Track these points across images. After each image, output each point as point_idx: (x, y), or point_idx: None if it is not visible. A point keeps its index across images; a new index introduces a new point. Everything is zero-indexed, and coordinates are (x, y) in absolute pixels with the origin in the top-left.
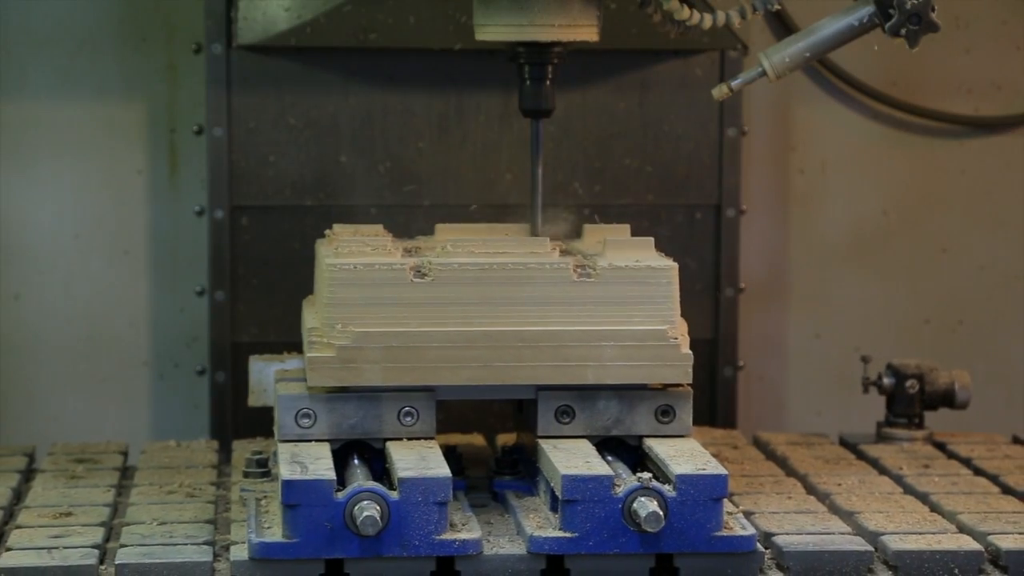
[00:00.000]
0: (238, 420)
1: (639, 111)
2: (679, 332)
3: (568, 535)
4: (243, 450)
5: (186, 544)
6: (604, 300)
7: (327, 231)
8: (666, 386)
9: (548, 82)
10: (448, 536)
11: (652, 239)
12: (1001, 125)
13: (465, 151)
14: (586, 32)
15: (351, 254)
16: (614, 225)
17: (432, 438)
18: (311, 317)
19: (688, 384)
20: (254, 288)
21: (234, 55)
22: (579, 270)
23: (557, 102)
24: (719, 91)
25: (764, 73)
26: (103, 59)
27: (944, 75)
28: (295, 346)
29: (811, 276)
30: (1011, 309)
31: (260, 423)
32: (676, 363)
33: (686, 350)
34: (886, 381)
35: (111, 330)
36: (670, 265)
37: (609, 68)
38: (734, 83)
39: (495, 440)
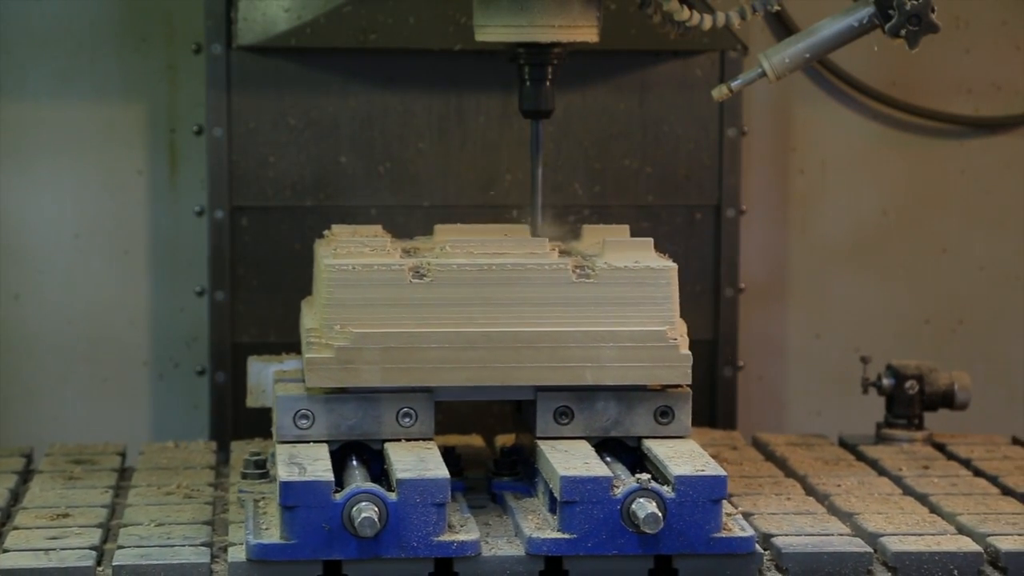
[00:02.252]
0: (238, 421)
1: (639, 112)
2: (678, 333)
3: (567, 536)
4: (241, 451)
5: (184, 546)
6: (603, 301)
7: (326, 232)
8: (665, 387)
9: (548, 83)
10: (446, 537)
11: (651, 240)
12: (1001, 125)
13: (465, 152)
14: (586, 33)
15: (349, 255)
16: (613, 226)
17: (431, 439)
18: (310, 318)
19: (687, 385)
20: (254, 288)
21: (234, 55)
22: (578, 271)
23: (557, 103)
24: (719, 92)
25: (764, 74)
26: (103, 59)
27: (944, 75)
28: (295, 347)
29: (811, 276)
30: (1011, 309)
31: (260, 424)
32: (675, 364)
33: (685, 351)
34: (885, 382)
35: (111, 330)
36: (669, 266)
37: (609, 69)
38: (734, 84)
39: (494, 441)
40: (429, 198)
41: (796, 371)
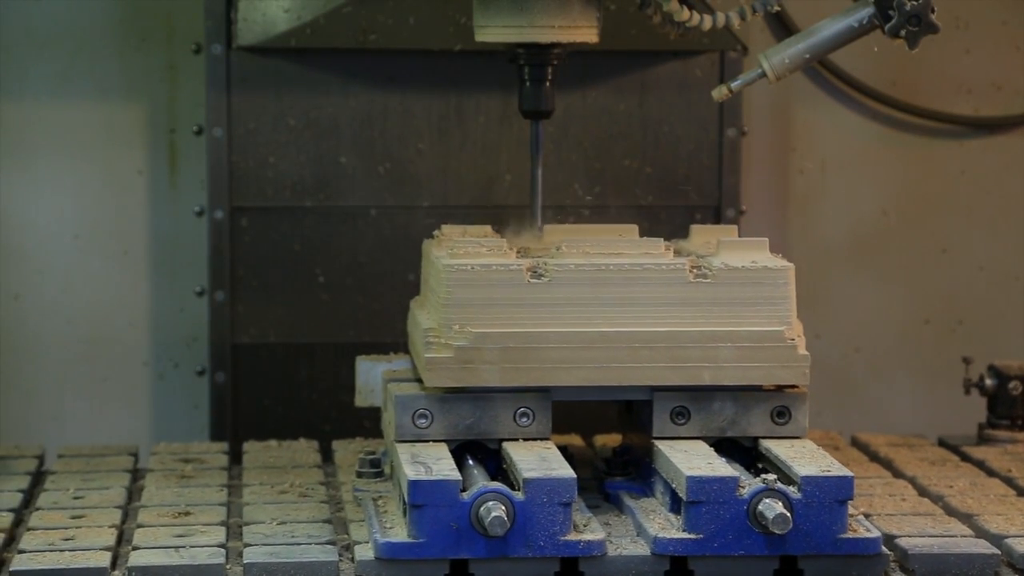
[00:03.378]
0: (238, 420)
1: (639, 112)
2: (795, 333)
3: (692, 536)
4: (344, 450)
5: (310, 544)
6: (720, 301)
7: (435, 232)
8: (781, 387)
9: (548, 83)
10: (573, 537)
11: (766, 240)
12: (1001, 125)
13: (465, 152)
14: (586, 33)
15: (467, 255)
16: (723, 226)
17: (548, 439)
18: (425, 318)
19: (804, 385)
20: (254, 288)
21: (234, 56)
22: (695, 271)
23: (557, 103)
24: (719, 92)
25: (764, 74)
26: (103, 59)
27: (944, 75)
28: (295, 347)
29: (811, 276)
30: (1011, 309)
31: (261, 424)
32: (793, 364)
33: (803, 351)
34: (988, 382)
35: (111, 330)
36: (786, 266)
37: (609, 69)
38: (734, 84)
39: (593, 441)
40: (429, 198)
41: None
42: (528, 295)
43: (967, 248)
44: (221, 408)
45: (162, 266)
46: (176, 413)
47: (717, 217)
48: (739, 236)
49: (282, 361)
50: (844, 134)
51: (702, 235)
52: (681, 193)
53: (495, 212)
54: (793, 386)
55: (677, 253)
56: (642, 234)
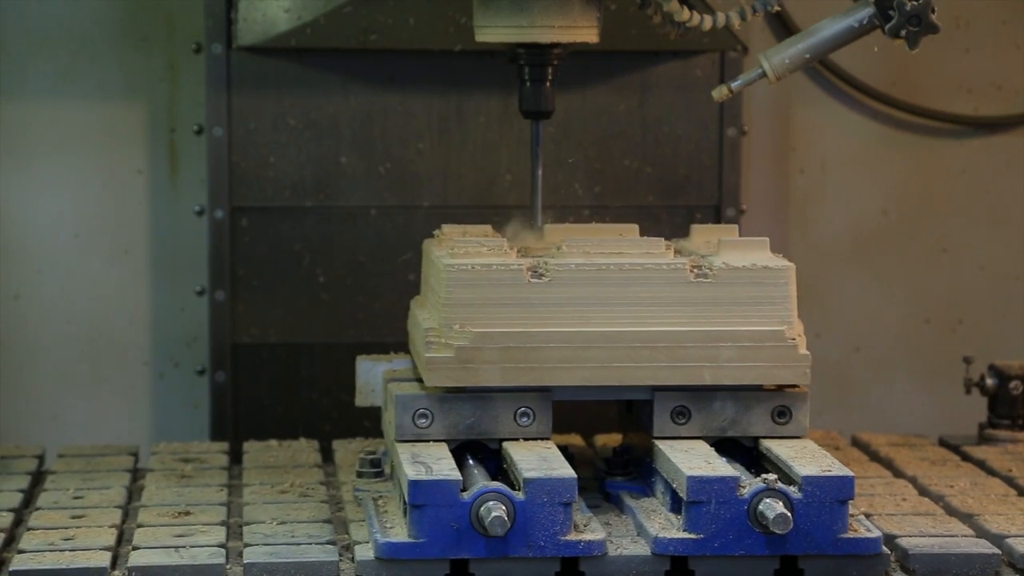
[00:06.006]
0: (238, 420)
1: (639, 112)
2: (796, 332)
3: (693, 536)
4: (345, 450)
5: (310, 544)
6: (721, 300)
7: (435, 232)
8: (782, 387)
9: (548, 83)
10: (573, 537)
11: (767, 239)
12: (1001, 125)
13: (465, 152)
14: (586, 33)
15: (467, 255)
16: (723, 225)
17: (548, 439)
18: (426, 317)
19: (805, 385)
20: (254, 288)
21: (234, 55)
22: (695, 270)
23: (557, 103)
24: (719, 92)
25: (764, 74)
26: (103, 59)
27: (944, 75)
28: (295, 347)
29: (811, 276)
30: (1011, 309)
31: (261, 424)
32: (794, 364)
33: (804, 351)
34: (989, 382)
35: (111, 330)
36: (787, 266)
37: (609, 69)
38: (734, 84)
39: (593, 441)
40: (429, 198)
41: None
42: (529, 295)
43: (967, 248)
44: (221, 408)
45: (162, 266)
46: (176, 413)
47: (717, 217)
48: (740, 236)
49: (282, 361)
50: (844, 134)
51: (703, 235)
52: (681, 192)
53: (495, 212)
54: (794, 386)
55: (678, 253)
56: (642, 234)
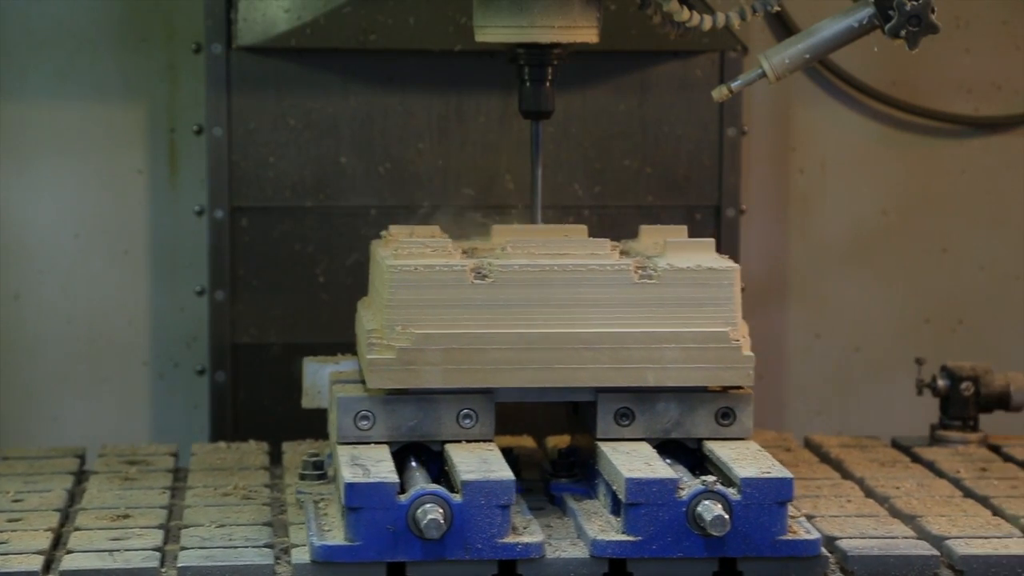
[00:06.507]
0: (238, 420)
1: (639, 112)
2: (740, 334)
3: (631, 539)
4: (294, 452)
5: (247, 547)
6: (665, 302)
7: (383, 232)
8: (726, 388)
9: (548, 83)
10: (511, 539)
11: (712, 240)
12: (1001, 125)
13: (465, 152)
14: (586, 33)
15: (411, 255)
16: (671, 226)
17: (491, 440)
18: (369, 319)
19: (749, 387)
20: (254, 288)
21: (234, 55)
22: (640, 272)
23: (557, 103)
24: (719, 92)
25: (764, 74)
26: (103, 59)
27: (944, 75)
28: (295, 347)
29: (811, 276)
30: (1011, 309)
31: (261, 424)
32: (738, 365)
33: (748, 352)
34: (940, 383)
35: (111, 330)
36: (732, 267)
37: (609, 69)
38: (734, 84)
39: (545, 442)
40: (429, 198)
41: (796, 371)
42: (472, 296)
43: (967, 248)
44: (221, 408)
45: (162, 266)
46: (176, 413)
47: (717, 217)
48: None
49: (282, 361)
50: (844, 134)
51: (651, 235)
52: (681, 192)
53: (495, 212)
54: (738, 387)
55: (624, 254)
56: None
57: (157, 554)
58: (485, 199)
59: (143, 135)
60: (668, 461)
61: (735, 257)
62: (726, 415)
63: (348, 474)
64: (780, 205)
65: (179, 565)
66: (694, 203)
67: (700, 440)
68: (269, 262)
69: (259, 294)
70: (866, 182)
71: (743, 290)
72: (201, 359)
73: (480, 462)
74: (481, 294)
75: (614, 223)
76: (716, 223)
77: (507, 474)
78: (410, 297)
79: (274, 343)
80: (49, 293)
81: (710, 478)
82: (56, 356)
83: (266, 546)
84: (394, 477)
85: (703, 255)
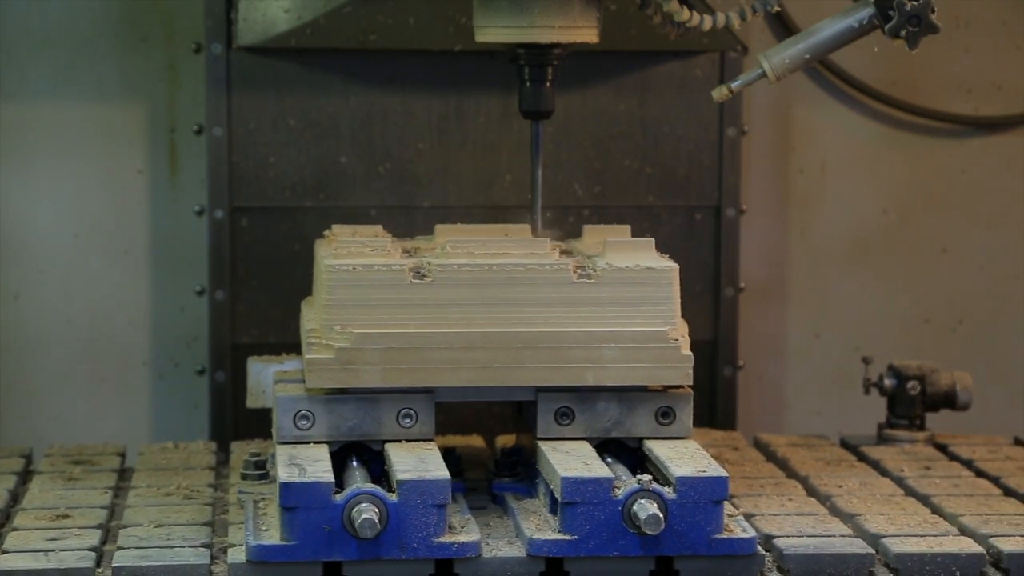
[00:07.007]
0: (238, 420)
1: (639, 112)
2: (679, 333)
3: (567, 537)
4: (242, 452)
5: (183, 547)
6: (604, 301)
7: (326, 232)
8: (666, 388)
9: (548, 83)
10: (447, 539)
11: (652, 240)
12: (1001, 125)
13: (465, 152)
14: (586, 34)
15: (350, 255)
16: (614, 226)
17: (431, 440)
18: (310, 318)
19: (688, 386)
20: (254, 288)
21: (234, 55)
22: (579, 271)
23: (557, 103)
24: (719, 92)
25: (764, 74)
26: (103, 59)
27: (944, 75)
28: (295, 347)
29: (811, 276)
30: (1011, 309)
31: (261, 424)
32: (677, 365)
33: (687, 352)
34: (887, 382)
35: (111, 330)
36: (670, 266)
37: (609, 69)
38: (734, 84)
39: (495, 442)
40: (429, 198)
41: (796, 371)
42: (410, 295)
43: (967, 248)
44: (221, 408)
45: (162, 265)
46: (176, 413)
47: (717, 217)
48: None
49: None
50: (844, 134)
51: (594, 235)
52: (681, 192)
53: (495, 212)
54: (678, 386)
55: (566, 253)
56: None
57: (93, 554)
58: (485, 199)
59: (143, 135)
60: (609, 460)
61: (735, 257)
62: (666, 414)
63: (284, 474)
64: (780, 205)
65: (114, 565)
66: (694, 203)
67: (640, 439)
68: (269, 262)
69: (259, 294)
70: (866, 182)
71: (742, 291)
72: (201, 359)
73: (418, 461)
74: (420, 294)
75: (614, 223)
76: (716, 223)
77: (443, 474)
78: (349, 297)
79: (274, 343)
80: (49, 293)
81: (645, 477)
82: (56, 356)
83: (203, 546)
84: (329, 477)
85: (643, 255)
